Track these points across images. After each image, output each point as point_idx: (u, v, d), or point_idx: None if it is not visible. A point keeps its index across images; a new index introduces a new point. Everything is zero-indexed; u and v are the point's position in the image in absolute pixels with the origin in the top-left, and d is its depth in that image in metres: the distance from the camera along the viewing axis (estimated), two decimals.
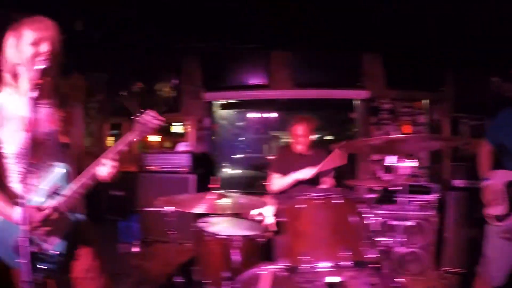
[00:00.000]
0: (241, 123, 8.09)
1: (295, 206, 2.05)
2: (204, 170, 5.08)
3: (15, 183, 1.70)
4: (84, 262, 1.87)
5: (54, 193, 1.69)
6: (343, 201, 2.02)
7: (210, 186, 2.50)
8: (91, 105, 7.00)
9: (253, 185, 6.79)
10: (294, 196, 2.15)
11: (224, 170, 6.73)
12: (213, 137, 6.02)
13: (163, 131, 6.35)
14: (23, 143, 1.58)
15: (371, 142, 2.53)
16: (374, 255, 1.88)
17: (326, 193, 2.01)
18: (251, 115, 8.39)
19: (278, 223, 2.72)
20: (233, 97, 5.66)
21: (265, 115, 8.31)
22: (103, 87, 6.96)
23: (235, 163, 8.76)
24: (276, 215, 2.69)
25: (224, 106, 6.15)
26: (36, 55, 1.64)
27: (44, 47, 1.66)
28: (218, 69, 5.46)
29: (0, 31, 1.74)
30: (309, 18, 4.30)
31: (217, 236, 2.51)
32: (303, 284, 1.90)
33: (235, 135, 7.84)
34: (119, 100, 6.51)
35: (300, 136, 3.34)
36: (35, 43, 1.65)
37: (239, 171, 8.80)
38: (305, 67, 5.08)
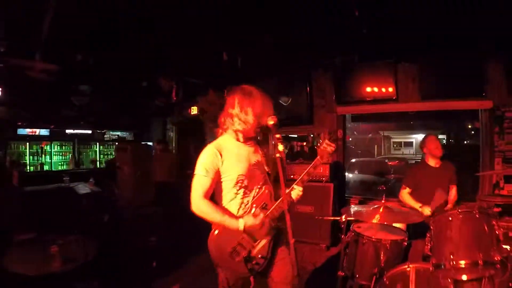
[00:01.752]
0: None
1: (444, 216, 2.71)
2: (338, 178, 5.75)
3: (228, 202, 2.43)
4: (281, 267, 2.51)
5: (262, 208, 2.40)
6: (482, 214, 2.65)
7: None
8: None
9: (371, 190, 7.23)
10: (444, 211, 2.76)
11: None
12: (344, 147, 6.68)
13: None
14: (242, 172, 2.39)
15: None
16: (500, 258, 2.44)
17: (469, 209, 2.65)
18: None
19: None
20: (364, 110, 6.27)
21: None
22: None
23: (351, 167, 9.26)
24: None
25: (355, 119, 6.71)
26: (256, 124, 2.41)
27: (266, 119, 2.37)
28: (349, 84, 6.11)
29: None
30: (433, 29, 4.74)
31: (372, 239, 3.22)
32: (443, 278, 2.61)
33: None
34: None
35: (436, 152, 3.93)
36: (260, 115, 2.38)
37: (353, 175, 9.28)
38: (431, 80, 5.48)
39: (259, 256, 2.37)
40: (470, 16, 4.33)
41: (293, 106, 6.69)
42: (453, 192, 4.08)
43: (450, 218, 2.67)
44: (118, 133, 11.08)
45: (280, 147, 2.14)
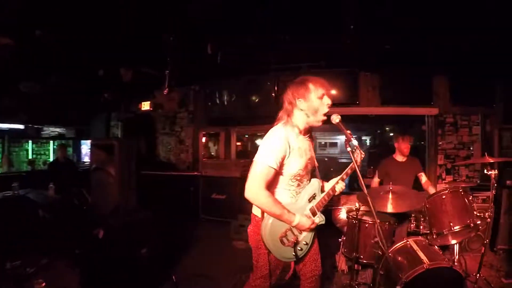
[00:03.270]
0: None
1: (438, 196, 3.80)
2: None
3: (280, 191, 2.55)
4: (312, 253, 2.73)
5: (312, 198, 2.62)
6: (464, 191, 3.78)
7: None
8: (182, 115, 8.42)
9: None
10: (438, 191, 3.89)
11: None
12: None
13: None
14: (302, 167, 2.52)
15: None
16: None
17: (455, 189, 3.78)
18: None
19: None
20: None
21: None
22: (195, 98, 8.49)
23: None
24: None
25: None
26: (320, 106, 2.50)
27: (326, 101, 2.52)
28: None
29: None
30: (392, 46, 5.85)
31: (369, 222, 4.10)
32: (436, 244, 3.67)
33: None
34: (214, 111, 7.79)
35: (405, 150, 4.88)
36: (321, 97, 2.49)
37: None
38: (389, 88, 6.77)
39: (304, 242, 2.55)
40: (422, 39, 5.52)
41: (260, 106, 7.34)
42: (424, 178, 5.07)
43: (444, 196, 3.73)
44: (58, 129, 10.29)
45: (355, 142, 2.43)
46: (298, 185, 2.60)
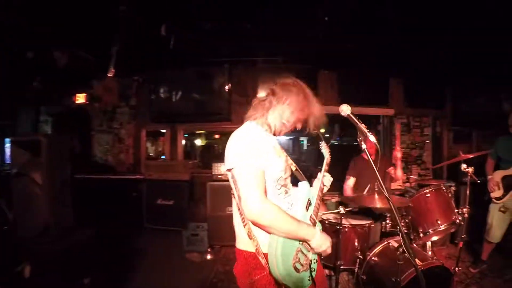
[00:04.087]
0: None
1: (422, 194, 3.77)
2: None
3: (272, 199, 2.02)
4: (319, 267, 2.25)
5: (309, 205, 2.14)
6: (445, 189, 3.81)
7: None
8: (122, 110, 7.62)
9: None
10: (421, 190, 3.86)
11: None
12: None
13: None
14: (283, 167, 2.09)
15: None
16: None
17: (437, 186, 3.80)
18: None
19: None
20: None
21: None
22: (138, 91, 7.63)
23: None
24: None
25: None
26: (297, 123, 2.24)
27: (299, 124, 2.28)
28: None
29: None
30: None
31: (353, 226, 3.90)
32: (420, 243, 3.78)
33: None
34: (159, 106, 7.13)
35: (371, 150, 4.76)
36: (298, 120, 2.23)
37: None
38: (348, 88, 6.71)
39: (314, 260, 2.11)
40: (380, 40, 5.48)
41: (211, 101, 6.79)
42: (393, 170, 5.00)
43: (428, 195, 3.71)
44: None
45: (372, 138, 2.10)
46: (286, 191, 2.11)
